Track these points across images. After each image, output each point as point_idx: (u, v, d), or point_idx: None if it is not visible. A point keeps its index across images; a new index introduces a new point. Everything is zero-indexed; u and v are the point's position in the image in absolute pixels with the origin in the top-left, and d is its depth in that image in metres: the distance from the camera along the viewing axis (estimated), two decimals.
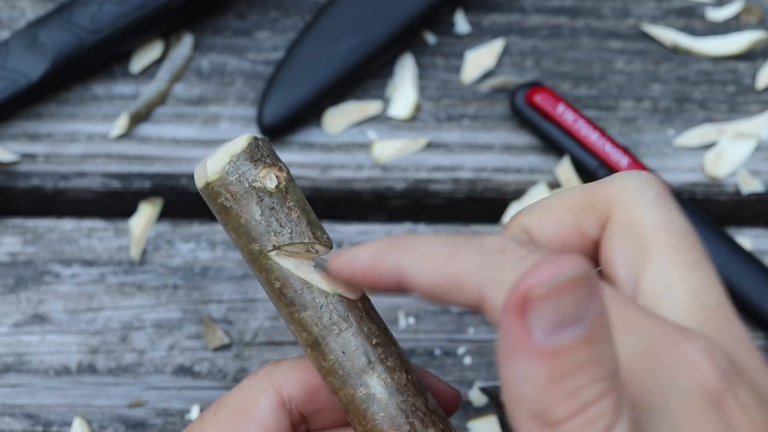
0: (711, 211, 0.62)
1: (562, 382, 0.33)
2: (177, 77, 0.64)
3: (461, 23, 0.65)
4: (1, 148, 0.62)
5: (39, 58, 0.62)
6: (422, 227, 0.62)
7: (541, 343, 0.33)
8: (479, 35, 0.65)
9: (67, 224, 0.62)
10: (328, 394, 0.46)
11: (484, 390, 0.59)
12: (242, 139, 0.45)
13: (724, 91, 0.64)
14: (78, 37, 0.62)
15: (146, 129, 0.63)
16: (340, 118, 0.63)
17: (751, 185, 0.62)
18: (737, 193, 0.63)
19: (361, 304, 0.45)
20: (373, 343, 0.44)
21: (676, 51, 0.65)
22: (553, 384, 0.33)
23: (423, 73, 0.64)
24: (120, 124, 0.63)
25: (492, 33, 0.65)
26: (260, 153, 0.45)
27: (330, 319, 0.44)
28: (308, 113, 0.63)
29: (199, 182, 0.45)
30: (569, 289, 0.32)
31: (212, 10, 0.65)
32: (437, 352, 0.60)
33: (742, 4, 0.66)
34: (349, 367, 0.44)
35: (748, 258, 0.60)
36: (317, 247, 0.45)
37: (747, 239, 0.62)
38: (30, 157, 0.62)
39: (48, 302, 0.60)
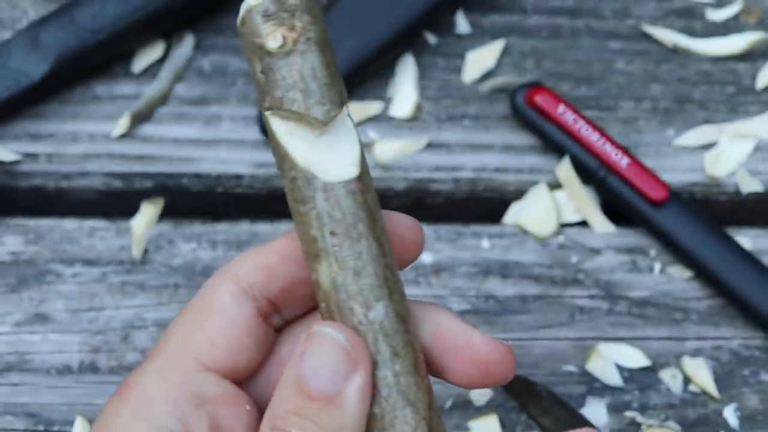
0: (711, 211, 0.63)
1: None
2: (178, 77, 0.64)
3: (462, 24, 0.65)
4: (3, 147, 0.62)
5: (41, 57, 0.62)
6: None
7: None
8: (480, 36, 0.65)
9: (69, 224, 0.62)
10: (288, 271, 0.44)
11: None
12: None
13: (723, 92, 0.64)
14: (80, 37, 0.62)
15: (148, 129, 0.63)
16: None
17: (750, 185, 0.62)
18: (737, 193, 0.63)
19: None
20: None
21: (676, 51, 0.65)
22: None
23: (424, 73, 0.64)
24: (122, 124, 0.63)
25: (492, 33, 0.65)
26: None
27: None
28: None
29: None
30: None
31: (214, 10, 0.65)
32: None
33: (742, 5, 0.66)
34: None
35: (748, 258, 0.60)
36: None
37: (747, 239, 0.62)
38: (32, 156, 0.63)
39: (50, 301, 0.60)
